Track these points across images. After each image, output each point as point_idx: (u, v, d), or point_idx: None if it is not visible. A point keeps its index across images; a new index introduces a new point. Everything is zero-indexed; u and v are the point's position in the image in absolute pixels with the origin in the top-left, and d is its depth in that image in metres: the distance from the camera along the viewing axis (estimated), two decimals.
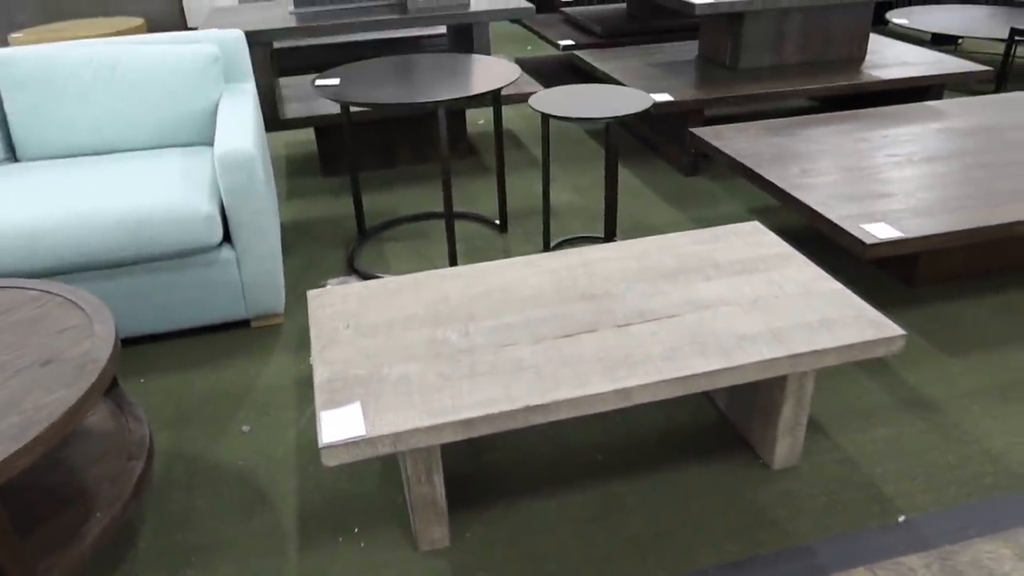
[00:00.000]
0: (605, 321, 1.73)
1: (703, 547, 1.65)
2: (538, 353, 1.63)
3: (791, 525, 1.69)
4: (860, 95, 4.09)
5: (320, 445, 1.41)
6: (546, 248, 2.86)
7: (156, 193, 2.26)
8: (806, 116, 3.09)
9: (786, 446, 1.82)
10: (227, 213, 2.30)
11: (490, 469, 1.88)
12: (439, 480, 1.60)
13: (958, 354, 2.22)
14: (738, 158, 2.68)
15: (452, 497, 1.81)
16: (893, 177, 2.52)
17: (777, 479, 1.81)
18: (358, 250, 2.97)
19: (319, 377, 1.60)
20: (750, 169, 2.60)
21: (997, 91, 4.26)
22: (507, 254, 2.87)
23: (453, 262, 2.66)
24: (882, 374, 2.15)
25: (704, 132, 2.92)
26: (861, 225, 2.20)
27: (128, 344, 2.44)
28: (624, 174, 3.54)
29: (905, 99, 3.81)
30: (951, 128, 2.93)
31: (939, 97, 3.68)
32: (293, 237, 3.08)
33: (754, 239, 2.06)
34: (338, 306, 1.84)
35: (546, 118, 2.57)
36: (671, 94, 3.36)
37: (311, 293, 1.90)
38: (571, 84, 2.87)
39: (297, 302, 2.65)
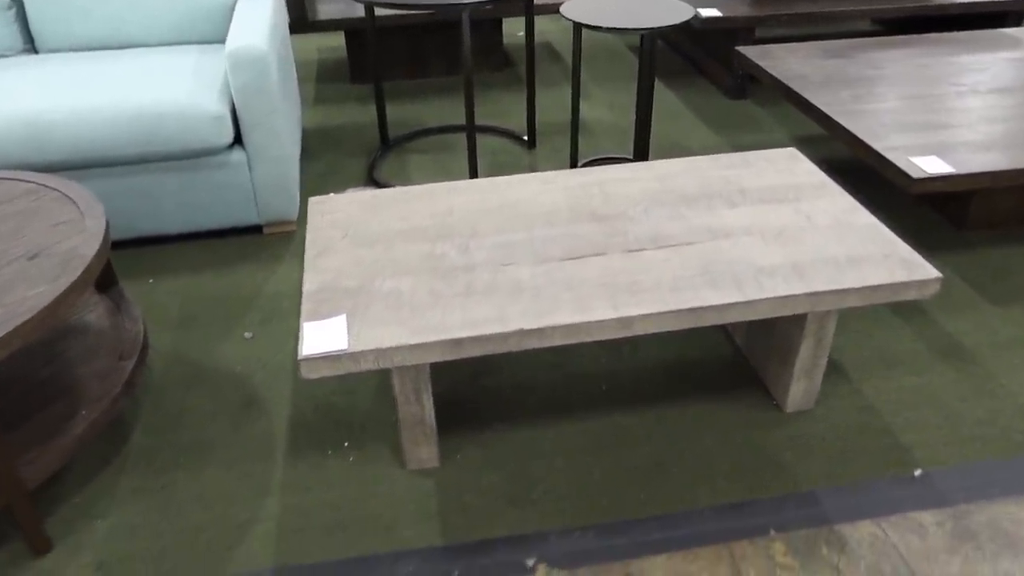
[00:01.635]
0: (616, 244, 1.62)
1: (702, 485, 1.58)
2: (539, 274, 1.54)
3: (798, 470, 1.60)
4: (930, 18, 3.78)
5: (299, 357, 1.35)
6: (573, 167, 2.73)
7: (166, 90, 2.18)
8: (865, 39, 2.85)
9: (801, 389, 1.72)
10: (238, 114, 2.22)
11: (489, 393, 1.82)
12: (428, 400, 1.55)
13: (1003, 303, 2.06)
14: (784, 80, 2.48)
15: (446, 418, 1.76)
16: (955, 108, 2.31)
17: (789, 422, 1.71)
18: (380, 160, 2.87)
19: (308, 286, 1.53)
20: (796, 92, 2.41)
21: None
22: (533, 171, 2.74)
23: (473, 178, 2.55)
24: (917, 319, 2.01)
25: (751, 51, 2.71)
26: (910, 158, 2.02)
27: (139, 244, 2.41)
28: (664, 94, 3.35)
29: (980, 25, 3.50)
30: (1013, 57, 2.67)
31: (1018, 24, 3.37)
32: (315, 143, 3.00)
33: (788, 166, 1.91)
34: (339, 214, 1.76)
35: (578, 28, 2.41)
36: (719, 8, 3.12)
37: (313, 200, 1.82)
38: None
39: None
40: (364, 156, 2.90)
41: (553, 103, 3.30)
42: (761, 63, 2.62)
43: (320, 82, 3.56)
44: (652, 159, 2.81)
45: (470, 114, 2.46)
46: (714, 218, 1.70)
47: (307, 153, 2.93)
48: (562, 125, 3.11)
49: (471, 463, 1.64)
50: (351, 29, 3.33)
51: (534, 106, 2.84)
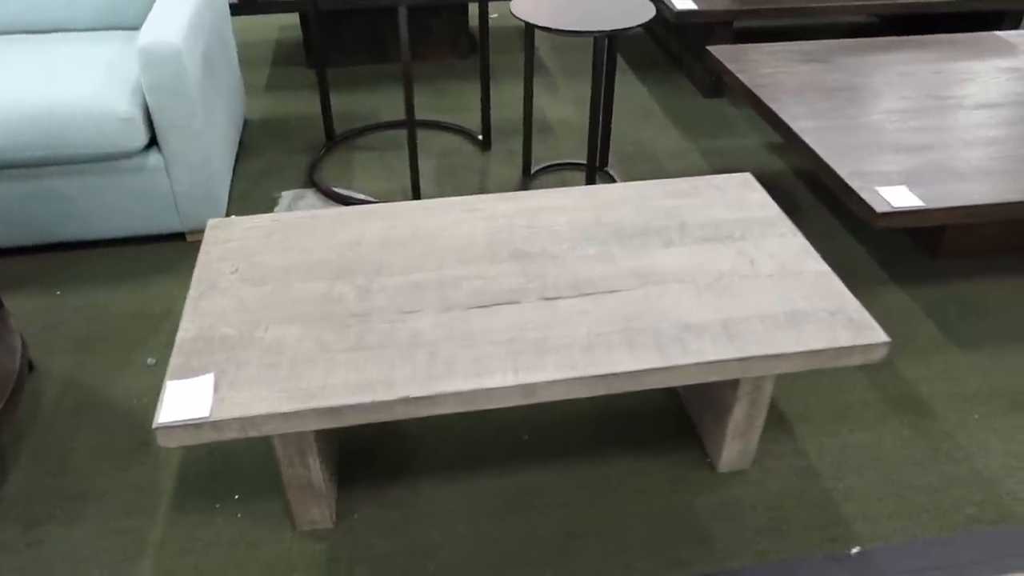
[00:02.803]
0: (532, 290, 1.46)
1: (614, 561, 1.43)
2: (442, 325, 1.38)
3: (722, 544, 1.46)
4: (925, 16, 3.55)
5: (154, 424, 1.20)
6: (526, 173, 2.55)
7: (72, 87, 2.00)
8: (850, 40, 2.64)
9: (736, 449, 1.57)
10: (151, 114, 2.05)
11: (400, 439, 1.68)
12: (315, 462, 1.40)
13: (970, 347, 1.91)
14: (752, 87, 2.29)
15: (350, 468, 1.61)
16: (935, 126, 2.12)
17: (721, 485, 1.57)
18: (323, 159, 2.69)
19: (183, 333, 1.38)
20: (762, 102, 2.22)
21: None
22: (483, 176, 2.57)
23: (415, 191, 2.38)
24: (875, 365, 1.86)
25: (721, 51, 2.52)
26: (877, 188, 1.84)
27: (51, 250, 2.25)
28: (637, 91, 3.15)
29: (978, 25, 3.28)
30: (1016, 68, 2.47)
31: (1016, 26, 3.16)
32: (259, 137, 2.82)
33: (739, 196, 1.74)
34: (234, 243, 1.60)
35: (530, 28, 2.21)
36: (695, 1, 2.92)
37: (212, 223, 1.66)
38: None
39: (247, 212, 2.41)
40: (309, 153, 2.72)
41: (519, 97, 3.11)
42: (730, 66, 2.43)
43: (276, 66, 3.36)
44: (614, 165, 2.63)
45: (411, 114, 2.28)
46: (646, 260, 1.54)
47: (248, 148, 2.75)
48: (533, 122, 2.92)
49: (368, 525, 1.50)
50: (302, 10, 3.13)
51: (488, 104, 2.66)
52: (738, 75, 2.37)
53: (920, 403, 1.75)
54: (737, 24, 3.78)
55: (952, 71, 2.44)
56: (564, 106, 3.03)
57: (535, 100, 3.07)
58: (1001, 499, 1.54)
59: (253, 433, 1.23)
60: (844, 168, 1.91)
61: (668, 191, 1.76)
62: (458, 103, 3.06)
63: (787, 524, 1.49)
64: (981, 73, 2.43)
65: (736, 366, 1.32)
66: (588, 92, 3.14)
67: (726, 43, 2.97)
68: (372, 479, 1.59)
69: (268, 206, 2.43)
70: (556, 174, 2.59)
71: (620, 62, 3.40)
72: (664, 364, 1.30)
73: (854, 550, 1.45)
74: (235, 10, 2.90)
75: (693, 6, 2.86)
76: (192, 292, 1.46)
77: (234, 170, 2.62)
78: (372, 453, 1.64)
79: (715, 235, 1.61)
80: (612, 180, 2.54)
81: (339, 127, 2.87)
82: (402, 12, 2.11)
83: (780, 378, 1.83)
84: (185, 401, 1.24)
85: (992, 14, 3.18)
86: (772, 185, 2.56)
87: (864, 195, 1.81)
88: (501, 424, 1.70)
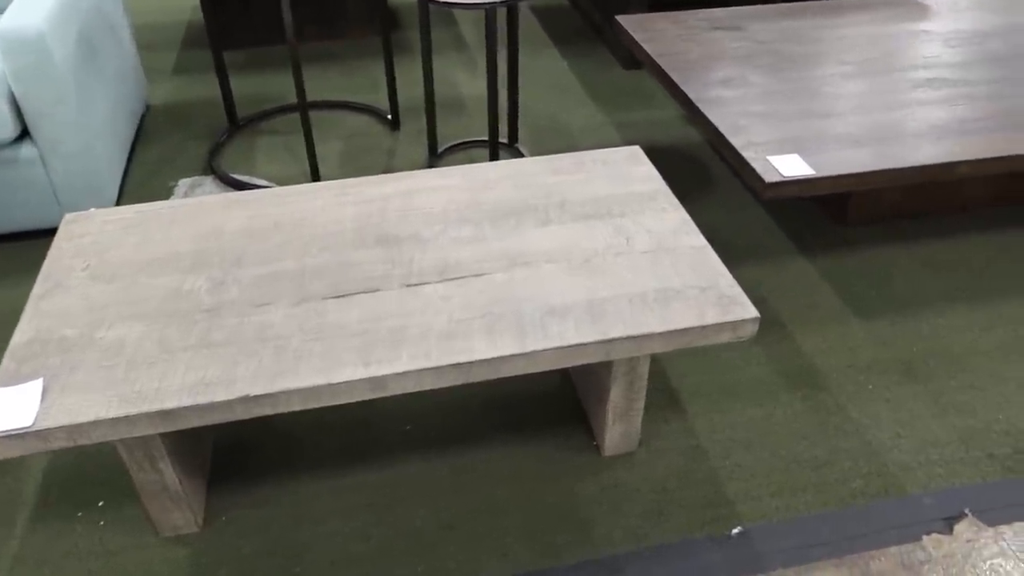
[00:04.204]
0: (395, 276, 1.40)
1: (490, 550, 1.39)
2: (294, 318, 1.31)
3: (602, 529, 1.42)
4: None
5: None
6: (432, 153, 2.48)
7: None
8: (762, 6, 2.59)
9: (618, 432, 1.53)
10: (18, 103, 1.94)
11: (277, 435, 1.61)
12: (168, 466, 1.33)
13: (870, 315, 1.88)
14: (654, 56, 2.23)
15: (222, 467, 1.55)
16: (836, 93, 2.08)
17: (605, 469, 1.53)
18: (225, 145, 2.60)
19: (18, 336, 1.30)
20: (663, 71, 2.17)
21: None
22: (390, 158, 2.50)
23: (315, 174, 2.29)
24: (772, 334, 1.83)
25: (629, 21, 2.45)
26: (768, 157, 1.80)
27: None
28: (557, 65, 3.08)
29: None
30: (931, 31, 2.43)
31: None
32: (161, 123, 2.71)
33: (624, 171, 1.68)
34: (91, 237, 1.51)
35: (424, 7, 2.13)
36: None
37: (68, 217, 1.57)
38: None
39: (142, 202, 2.32)
40: (211, 139, 2.62)
41: (436, 74, 3.02)
42: (636, 36, 2.36)
43: (184, 49, 3.24)
44: (525, 141, 2.57)
45: (302, 98, 2.19)
46: (519, 240, 1.48)
47: (147, 135, 2.64)
48: (441, 100, 2.84)
49: (237, 527, 1.44)
50: None
51: (394, 80, 2.57)
52: (643, 44, 2.30)
53: (815, 376, 1.72)
54: None
55: (861, 36, 2.40)
56: (481, 82, 2.95)
57: (452, 76, 2.99)
58: (887, 470, 1.52)
59: (84, 441, 1.16)
60: (739, 138, 1.86)
61: (552, 168, 1.70)
62: (370, 82, 2.96)
63: (671, 507, 1.46)
64: (890, 37, 2.39)
65: (598, 349, 1.27)
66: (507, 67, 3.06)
67: (641, 11, 2.91)
68: (246, 478, 1.53)
69: (164, 195, 2.34)
70: (464, 152, 2.52)
71: (541, 34, 3.32)
72: (522, 350, 1.25)
73: (735, 530, 1.42)
74: None
75: None
76: (36, 291, 1.38)
77: (131, 159, 2.51)
78: (247, 450, 1.58)
79: (594, 212, 1.56)
80: (521, 154, 2.48)
81: (247, 110, 2.77)
82: None
83: (675, 355, 1.79)
84: (9, 410, 1.16)
85: None
86: (686, 157, 2.51)
87: (755, 165, 1.76)
88: (384, 414, 1.65)
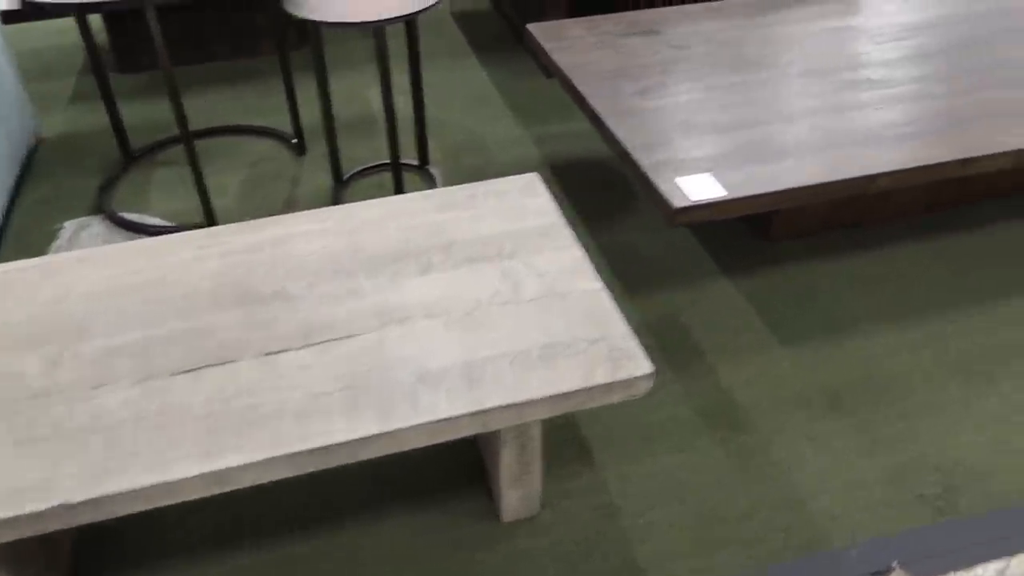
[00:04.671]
0: (254, 343, 1.25)
1: None
2: (133, 401, 1.16)
3: None
4: None
5: None
6: (338, 180, 2.32)
7: None
8: (684, 6, 2.47)
9: (515, 497, 1.39)
10: None
11: (149, 519, 1.46)
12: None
13: (796, 340, 1.77)
14: (563, 68, 2.10)
15: (90, 560, 1.39)
16: (755, 100, 1.96)
17: (506, 536, 1.40)
18: (119, 180, 2.42)
19: None
20: (572, 85, 2.04)
21: None
22: (294, 186, 2.34)
23: (207, 212, 2.12)
24: (692, 367, 1.71)
25: (540, 29, 2.32)
26: (677, 179, 1.67)
27: None
28: (476, 75, 2.93)
29: None
30: (857, 27, 2.33)
31: None
32: (52, 158, 2.52)
33: (519, 203, 1.55)
34: None
35: (315, 25, 1.97)
36: None
37: None
38: None
39: (23, 251, 2.14)
40: (105, 174, 2.44)
41: (349, 90, 2.86)
42: (546, 44, 2.23)
43: (86, 73, 3.04)
44: (438, 162, 2.42)
45: (184, 128, 2.02)
46: (396, 293, 1.34)
47: (35, 173, 2.45)
48: (354, 119, 2.68)
49: None
50: (97, 12, 2.81)
51: (295, 101, 2.41)
52: (552, 55, 2.17)
53: (737, 413, 1.60)
54: None
55: (784, 36, 2.28)
56: (397, 98, 2.80)
57: (365, 92, 2.83)
58: (811, 520, 1.40)
59: None
60: (646, 156, 1.74)
61: (440, 203, 1.56)
62: (281, 102, 2.80)
63: None
64: (815, 36, 2.28)
65: (472, 422, 1.14)
66: (427, 79, 2.91)
67: (560, 15, 2.77)
68: (116, 570, 1.37)
69: (47, 242, 2.16)
70: (374, 177, 2.37)
71: (461, 42, 3.17)
72: (386, 429, 1.11)
73: None
74: (7, 18, 2.58)
75: None
76: None
77: (15, 200, 2.33)
78: (119, 538, 1.42)
79: (482, 254, 1.42)
80: (432, 180, 2.33)
81: (147, 139, 2.59)
82: (150, 12, 1.85)
83: None
84: None
85: None
86: (606, 171, 2.38)
87: (662, 188, 1.63)
88: (264, 487, 1.50)
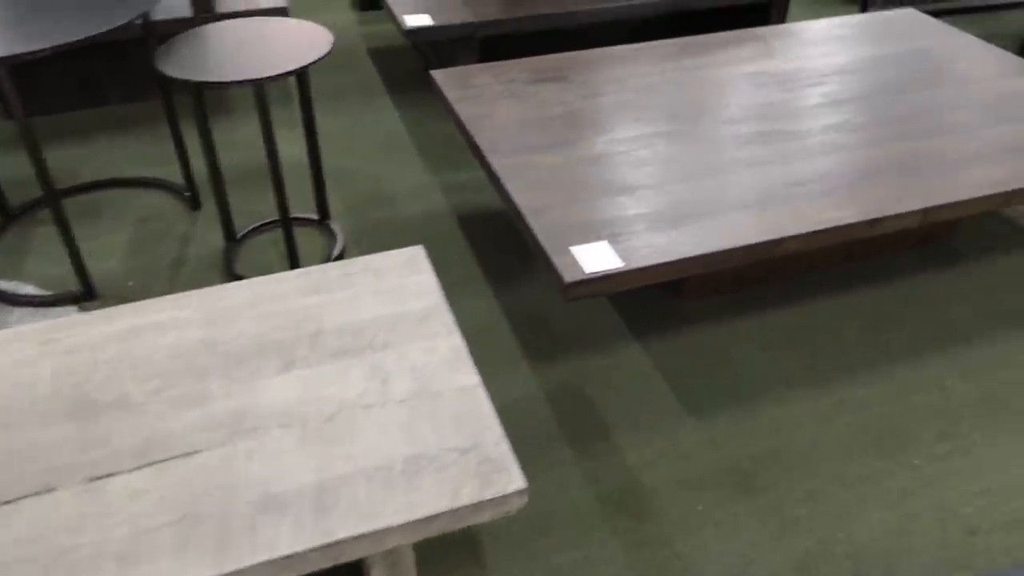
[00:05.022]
0: (82, 466, 1.11)
1: None
2: None
3: None
4: (692, 13, 3.36)
5: None
6: (230, 238, 2.18)
7: None
8: (597, 50, 2.39)
9: None
10: None
11: None
12: None
13: (705, 411, 1.68)
14: (463, 120, 2.00)
15: None
16: (659, 156, 1.88)
17: None
18: None
19: None
20: (471, 139, 1.93)
21: (864, 10, 3.55)
22: (184, 246, 2.19)
23: (84, 284, 1.96)
24: (594, 448, 1.60)
25: (444, 76, 2.21)
26: (573, 248, 1.58)
27: None
28: (389, 117, 2.81)
29: (744, 18, 3.11)
30: (768, 73, 2.27)
31: (782, 19, 2.99)
32: None
33: (398, 283, 1.43)
34: None
35: (198, 86, 1.84)
36: (433, 15, 2.60)
37: None
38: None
39: None
40: None
41: (250, 137, 2.72)
42: (448, 93, 2.12)
43: None
44: (340, 216, 2.29)
45: (47, 185, 1.86)
46: (251, 396, 1.21)
47: None
48: (254, 168, 2.54)
49: None
50: None
51: (184, 150, 2.26)
52: (453, 104, 2.06)
53: (641, 498, 1.51)
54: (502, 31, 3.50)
55: (695, 82, 2.21)
56: (302, 144, 2.67)
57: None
58: None
59: None
60: (541, 221, 1.64)
61: (312, 284, 1.43)
62: (173, 151, 2.64)
63: None
64: (727, 83, 2.21)
65: (322, 556, 1.02)
66: (335, 123, 2.78)
67: (471, 59, 2.68)
68: None
69: None
70: (271, 233, 2.24)
71: (376, 81, 3.05)
72: (220, 572, 0.98)
73: None
74: None
75: (428, 22, 2.54)
76: None
77: None
78: None
79: (351, 346, 1.30)
80: (333, 236, 2.21)
81: (27, 195, 2.42)
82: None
83: None
84: None
85: (759, 6, 3.01)
86: (514, 225, 2.28)
87: (555, 259, 1.54)
88: None
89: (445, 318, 1.35)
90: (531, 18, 2.65)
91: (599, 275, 1.50)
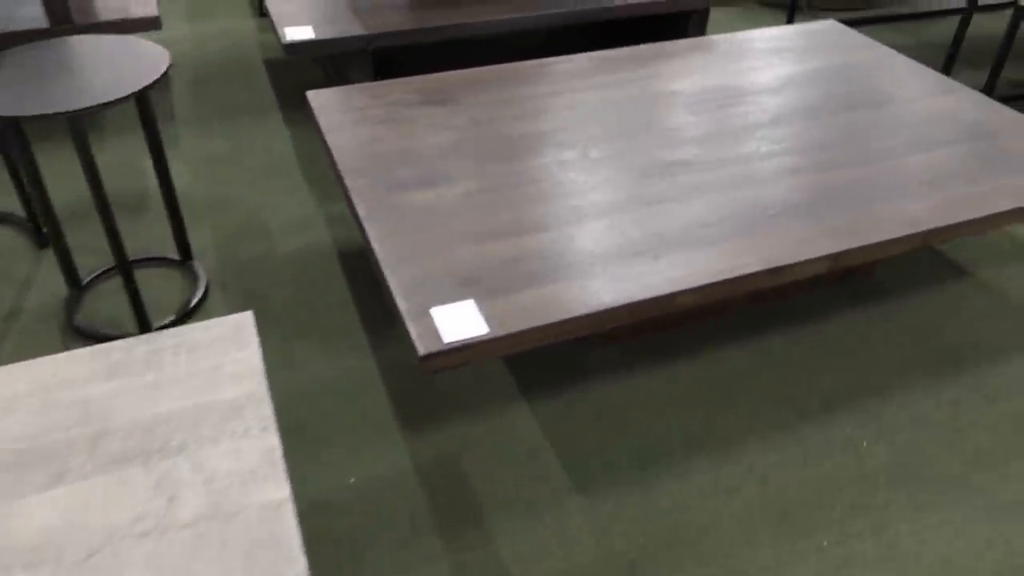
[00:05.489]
0: None
1: None
2: None
3: None
4: (607, 23, 3.17)
5: None
6: (74, 284, 1.92)
7: None
8: (496, 67, 2.18)
9: None
10: None
11: None
12: None
13: (595, 488, 1.49)
14: (333, 151, 1.77)
15: None
16: (547, 193, 1.67)
17: None
18: None
19: None
20: (336, 171, 1.71)
21: (789, 22, 3.39)
22: (24, 291, 1.92)
23: None
24: (465, 538, 1.39)
25: (319, 97, 1.98)
26: (433, 309, 1.37)
27: None
28: (279, 136, 2.57)
29: (661, 30, 2.94)
30: (681, 93, 2.08)
31: (701, 31, 2.82)
32: None
33: (217, 361, 1.21)
34: None
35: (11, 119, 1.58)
36: (317, 27, 2.37)
37: None
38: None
39: None
40: None
41: (124, 158, 2.45)
42: (321, 119, 1.89)
43: None
44: (207, 252, 2.04)
45: None
46: (3, 521, 0.98)
47: None
48: (118, 198, 2.27)
49: None
50: None
51: (21, 180, 2.00)
52: (323, 131, 1.84)
53: None
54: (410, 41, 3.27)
55: (599, 105, 2.01)
56: (181, 168, 2.41)
57: (142, 164, 2.43)
58: None
59: None
60: (400, 274, 1.42)
61: (113, 365, 1.20)
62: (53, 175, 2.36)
63: None
64: (628, 105, 2.01)
65: None
66: (218, 145, 2.52)
67: (365, 75, 2.45)
68: None
69: None
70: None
71: (269, 96, 2.80)
72: None
73: None
74: None
75: (310, 35, 2.30)
76: None
77: None
78: None
79: (141, 448, 1.07)
80: (196, 279, 1.96)
81: None
82: None
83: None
84: None
85: (679, 15, 2.84)
86: None
87: (411, 326, 1.32)
88: None
89: (262, 410, 1.13)
90: (429, 30, 2.43)
91: (459, 344, 1.29)
